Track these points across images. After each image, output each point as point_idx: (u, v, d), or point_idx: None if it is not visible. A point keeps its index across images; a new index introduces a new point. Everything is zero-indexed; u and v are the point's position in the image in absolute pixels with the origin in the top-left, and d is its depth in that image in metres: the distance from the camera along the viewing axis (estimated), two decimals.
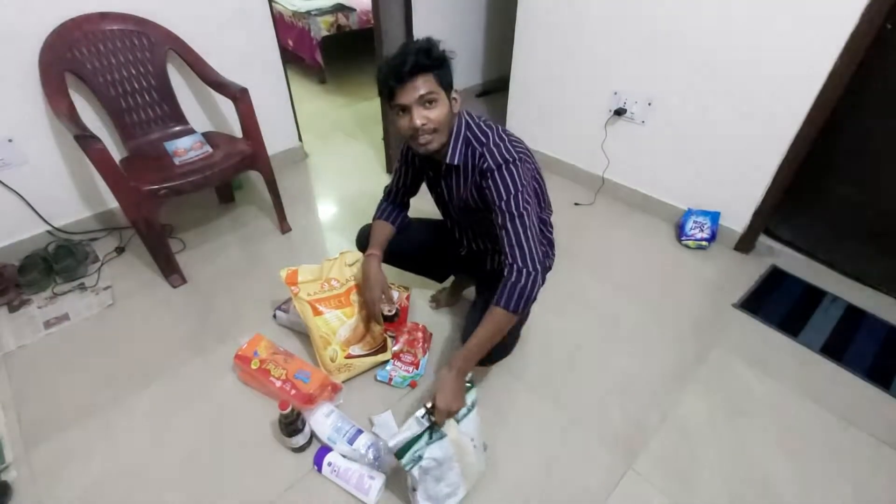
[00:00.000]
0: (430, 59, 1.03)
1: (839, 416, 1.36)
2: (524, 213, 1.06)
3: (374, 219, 1.40)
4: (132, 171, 1.65)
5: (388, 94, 1.06)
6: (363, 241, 1.45)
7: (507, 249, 1.06)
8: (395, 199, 1.39)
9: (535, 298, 1.05)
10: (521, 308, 1.04)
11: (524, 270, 1.03)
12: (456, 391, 1.03)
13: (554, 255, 1.38)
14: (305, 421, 1.22)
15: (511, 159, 1.09)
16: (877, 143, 1.63)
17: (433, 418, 1.01)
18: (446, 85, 1.08)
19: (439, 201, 1.35)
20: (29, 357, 1.50)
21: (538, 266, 1.04)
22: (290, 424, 1.17)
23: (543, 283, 1.21)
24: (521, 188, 1.08)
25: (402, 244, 1.42)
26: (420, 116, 1.05)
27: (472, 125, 1.15)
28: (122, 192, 1.53)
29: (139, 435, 1.29)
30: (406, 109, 1.06)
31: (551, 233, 1.35)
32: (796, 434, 1.32)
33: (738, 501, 1.16)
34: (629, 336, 1.60)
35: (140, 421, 1.32)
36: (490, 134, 1.13)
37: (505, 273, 1.05)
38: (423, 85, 1.03)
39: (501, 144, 1.11)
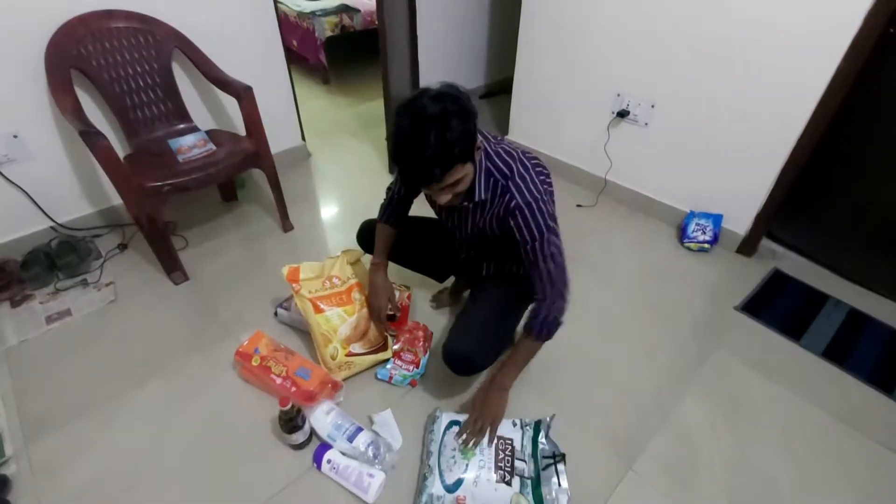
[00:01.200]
0: (449, 161, 0.92)
1: (841, 420, 1.36)
2: (554, 252, 1.07)
3: (378, 221, 1.39)
4: (136, 167, 1.65)
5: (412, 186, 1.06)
6: (364, 236, 1.46)
7: (538, 285, 1.09)
8: (398, 201, 1.39)
9: (562, 324, 1.12)
10: (552, 335, 1.12)
11: (555, 304, 1.09)
12: (501, 405, 1.19)
13: None
14: (305, 418, 1.22)
15: (539, 197, 1.06)
16: (880, 147, 1.62)
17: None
18: (471, 155, 0.98)
19: (446, 222, 1.31)
20: (30, 352, 1.50)
21: (566, 297, 1.11)
22: (290, 421, 1.17)
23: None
24: (550, 228, 1.07)
25: (403, 242, 1.42)
26: (444, 196, 1.01)
27: (492, 154, 1.09)
28: (125, 189, 1.54)
29: (139, 430, 1.29)
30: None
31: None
32: (797, 437, 1.31)
33: (739, 502, 1.16)
34: (630, 338, 1.60)
35: (140, 416, 1.33)
36: (513, 165, 1.08)
37: (537, 308, 1.11)
38: (448, 177, 0.95)
39: (528, 177, 1.08)
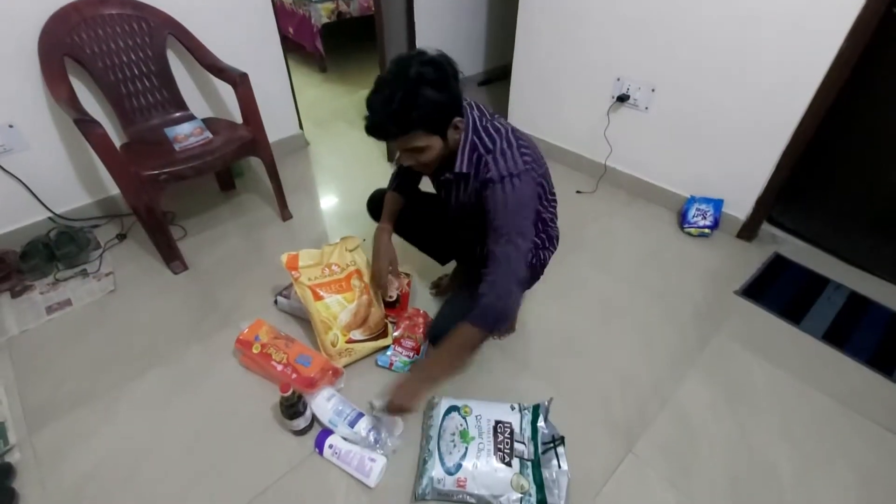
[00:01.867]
0: (411, 125, 0.95)
1: (841, 403, 1.36)
2: (516, 236, 1.03)
3: (388, 189, 1.40)
4: (132, 156, 1.64)
5: None
6: (373, 204, 1.46)
7: (491, 265, 1.04)
8: (405, 170, 1.36)
9: (510, 318, 1.07)
10: (493, 328, 1.04)
11: (504, 290, 1.02)
12: (414, 393, 1.08)
13: (555, 247, 1.37)
14: (307, 404, 1.22)
15: (516, 172, 1.03)
16: (882, 130, 1.61)
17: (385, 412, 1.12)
18: (441, 127, 1.00)
19: (439, 192, 1.33)
20: (31, 342, 1.50)
21: (516, 288, 1.04)
22: (291, 407, 1.18)
23: (538, 279, 1.29)
24: (519, 207, 1.04)
25: (408, 215, 1.42)
26: (409, 159, 1.02)
27: (480, 129, 1.08)
28: (122, 178, 1.53)
29: (141, 419, 1.30)
30: None
31: (554, 228, 1.33)
32: (797, 420, 1.32)
33: (739, 486, 1.17)
34: (631, 323, 1.60)
35: (142, 405, 1.33)
36: (498, 140, 1.07)
37: (482, 289, 1.03)
38: (408, 141, 0.99)
39: (509, 152, 1.05)
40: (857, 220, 1.78)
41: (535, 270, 1.36)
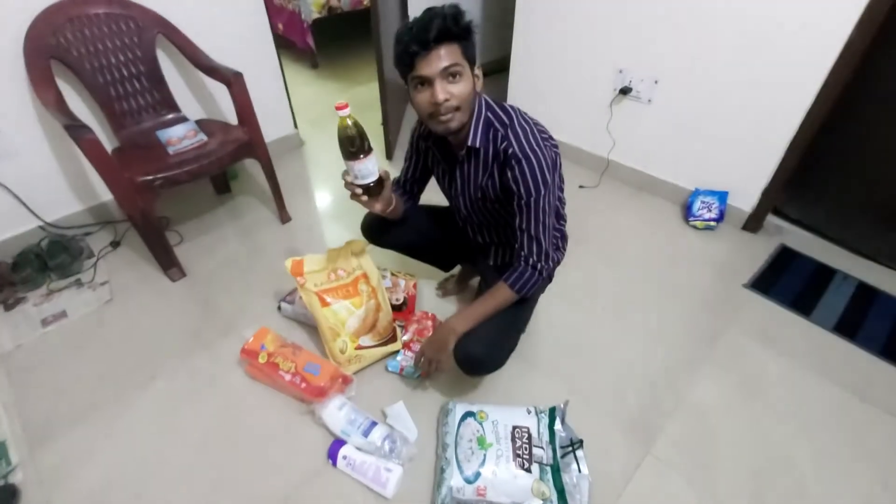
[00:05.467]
0: (458, 27, 0.94)
1: (855, 395, 1.35)
2: (546, 213, 1.06)
3: None
4: (125, 161, 1.59)
5: (408, 63, 0.96)
6: (367, 226, 1.41)
7: (525, 244, 1.10)
8: (403, 191, 1.34)
9: (539, 289, 1.12)
10: (526, 293, 1.14)
11: (538, 265, 1.11)
12: (444, 345, 1.14)
13: (565, 249, 1.34)
14: (371, 147, 1.03)
15: (539, 149, 1.03)
16: (888, 120, 1.59)
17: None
18: (471, 59, 1.00)
19: (450, 191, 1.28)
20: (28, 356, 1.46)
21: (549, 262, 1.12)
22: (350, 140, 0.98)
23: (551, 280, 1.32)
24: (549, 185, 1.04)
25: (408, 232, 1.38)
26: (443, 91, 0.96)
27: (494, 105, 1.09)
28: (115, 184, 1.47)
29: (146, 433, 1.26)
30: (427, 82, 0.96)
31: (565, 226, 1.31)
32: (813, 414, 1.31)
33: (760, 482, 1.16)
34: (641, 320, 1.58)
35: (146, 418, 1.29)
36: (513, 115, 1.07)
37: (518, 262, 1.12)
38: (448, 55, 0.94)
39: (528, 128, 1.05)
40: (863, 209, 1.77)
41: (551, 271, 1.33)
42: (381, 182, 1.07)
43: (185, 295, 1.67)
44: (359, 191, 1.07)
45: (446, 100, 0.97)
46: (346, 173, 1.07)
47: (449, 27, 0.92)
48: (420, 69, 0.95)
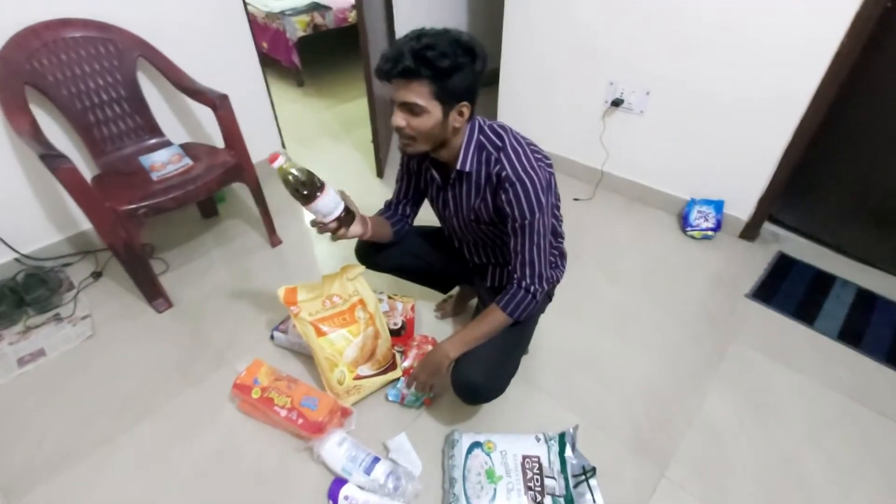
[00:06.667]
0: (425, 67, 0.88)
1: (863, 405, 1.33)
2: (542, 234, 1.04)
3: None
4: (106, 190, 1.52)
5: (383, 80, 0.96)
6: (361, 250, 1.36)
7: (518, 266, 1.07)
8: (395, 212, 1.30)
9: (539, 310, 1.09)
10: (519, 315, 1.10)
11: (531, 287, 1.07)
12: (437, 369, 1.12)
13: (564, 266, 1.30)
14: (323, 184, 0.99)
15: (533, 171, 0.99)
16: (882, 125, 1.60)
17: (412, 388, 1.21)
18: (447, 97, 0.93)
19: (443, 212, 1.24)
20: (3, 399, 1.36)
21: (544, 285, 1.09)
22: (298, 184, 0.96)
23: (551, 299, 1.29)
24: (544, 207, 1.01)
25: (403, 256, 1.34)
26: (400, 118, 0.95)
27: (486, 128, 1.05)
28: (96, 215, 1.40)
29: (134, 476, 1.18)
30: (394, 102, 0.96)
31: (563, 244, 1.27)
32: (824, 426, 1.29)
33: (775, 499, 1.12)
34: (645, 335, 1.54)
35: (134, 461, 1.21)
36: (505, 137, 1.04)
37: (512, 286, 1.09)
38: (409, 92, 0.91)
39: (520, 150, 1.02)
40: (859, 215, 1.77)
41: (549, 290, 1.29)
42: (347, 209, 1.05)
43: (171, 327, 1.60)
44: (333, 226, 1.04)
45: (400, 127, 0.96)
46: (312, 221, 1.04)
47: (411, 68, 0.88)
48: (390, 89, 0.95)
